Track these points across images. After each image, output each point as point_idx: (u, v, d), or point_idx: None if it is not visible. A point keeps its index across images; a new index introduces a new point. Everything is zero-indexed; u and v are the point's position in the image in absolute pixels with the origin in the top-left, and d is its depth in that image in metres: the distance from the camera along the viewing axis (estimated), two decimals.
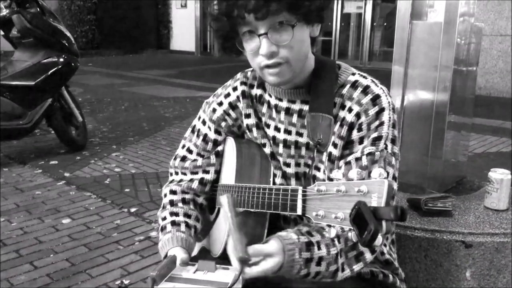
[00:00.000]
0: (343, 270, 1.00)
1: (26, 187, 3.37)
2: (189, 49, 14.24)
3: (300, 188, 0.94)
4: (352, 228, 0.75)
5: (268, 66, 1.03)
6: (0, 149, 4.22)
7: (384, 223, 0.71)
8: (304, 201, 0.92)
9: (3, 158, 4.07)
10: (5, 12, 3.78)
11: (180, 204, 1.25)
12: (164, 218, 1.23)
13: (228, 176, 1.21)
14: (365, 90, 1.07)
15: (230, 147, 1.24)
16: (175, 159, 1.32)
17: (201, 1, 13.83)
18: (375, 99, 1.05)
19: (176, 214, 1.23)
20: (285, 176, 1.18)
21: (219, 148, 1.27)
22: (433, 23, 1.90)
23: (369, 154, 1.03)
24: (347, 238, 0.99)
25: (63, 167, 3.79)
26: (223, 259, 1.17)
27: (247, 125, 1.22)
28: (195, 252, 1.34)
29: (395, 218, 0.70)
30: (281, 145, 1.17)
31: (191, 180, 1.27)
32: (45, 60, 3.88)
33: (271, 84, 1.13)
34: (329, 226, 0.86)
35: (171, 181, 1.32)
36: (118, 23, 13.95)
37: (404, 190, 1.89)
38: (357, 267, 1.01)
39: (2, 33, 3.92)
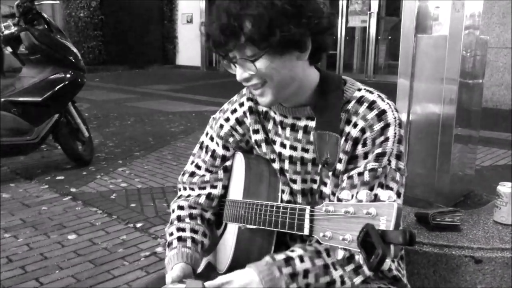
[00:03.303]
0: (343, 283, 1.00)
1: (32, 202, 3.38)
2: (195, 64, 14.33)
3: (308, 208, 0.93)
4: (359, 251, 0.74)
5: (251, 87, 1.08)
6: (4, 164, 4.25)
7: (392, 247, 0.70)
8: (311, 221, 0.91)
9: (10, 174, 4.09)
10: (13, 29, 3.83)
11: (187, 220, 1.25)
12: (171, 234, 1.23)
13: (236, 192, 1.21)
14: (371, 105, 1.07)
15: (239, 163, 1.24)
16: (183, 174, 1.32)
17: (206, 16, 13.95)
18: (381, 114, 1.05)
19: (183, 230, 1.22)
20: (292, 192, 1.17)
21: (227, 163, 1.27)
22: (438, 37, 1.91)
23: (371, 170, 1.03)
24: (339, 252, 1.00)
25: (69, 183, 3.80)
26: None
27: (255, 140, 1.22)
28: (201, 268, 1.33)
29: (403, 243, 0.68)
30: (287, 162, 1.17)
31: (199, 195, 1.27)
32: (52, 76, 3.91)
33: (261, 105, 1.14)
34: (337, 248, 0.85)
35: (179, 197, 1.32)
36: (124, 38, 14.09)
37: (411, 205, 1.88)
38: (357, 280, 1.01)
39: (11, 50, 3.96)
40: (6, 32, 3.85)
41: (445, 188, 1.92)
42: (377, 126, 1.04)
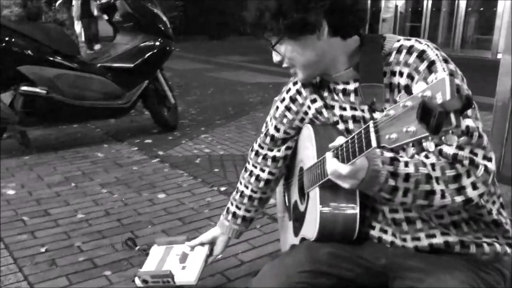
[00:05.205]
0: (443, 196, 1.01)
1: (124, 162, 3.62)
2: None
3: (371, 122, 0.88)
4: (420, 126, 0.74)
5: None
6: (98, 127, 4.57)
7: (452, 115, 0.71)
8: (376, 131, 0.85)
9: (103, 135, 4.39)
10: None
11: (237, 196, 1.57)
12: (230, 197, 1.62)
13: (310, 159, 1.24)
14: (409, 50, 1.08)
15: (306, 133, 1.31)
16: (252, 150, 1.52)
17: None
18: (421, 54, 1.05)
19: (231, 204, 1.60)
20: None
21: (277, 154, 1.43)
22: None
23: None
24: (443, 167, 1.00)
25: (157, 146, 4.01)
26: (319, 241, 1.21)
27: (315, 109, 1.27)
28: (297, 242, 1.38)
29: (461, 106, 0.71)
30: (350, 122, 1.20)
31: (251, 174, 1.52)
32: (142, 44, 4.10)
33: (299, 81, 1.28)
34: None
35: (245, 168, 1.58)
36: (203, 9, 14.32)
37: (510, 184, 1.81)
38: (458, 198, 1.00)
39: (107, 17, 4.19)
40: (103, 0, 4.08)
41: None
42: (423, 66, 1.04)
